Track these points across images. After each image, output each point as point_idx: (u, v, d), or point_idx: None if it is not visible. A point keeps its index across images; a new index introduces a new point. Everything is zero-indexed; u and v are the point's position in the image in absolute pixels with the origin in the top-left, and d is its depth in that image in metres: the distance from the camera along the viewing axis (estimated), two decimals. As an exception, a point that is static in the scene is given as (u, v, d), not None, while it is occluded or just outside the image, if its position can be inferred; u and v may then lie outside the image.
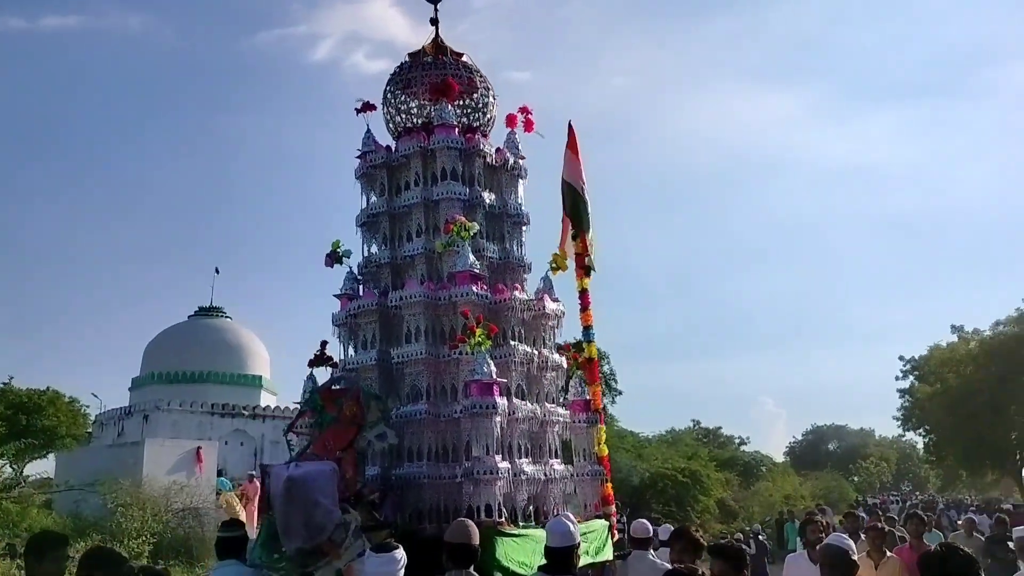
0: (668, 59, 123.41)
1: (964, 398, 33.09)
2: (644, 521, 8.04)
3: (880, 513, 18.86)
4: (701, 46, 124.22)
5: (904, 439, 65.33)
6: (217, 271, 41.22)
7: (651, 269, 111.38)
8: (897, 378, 40.43)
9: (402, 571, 5.04)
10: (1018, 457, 36.95)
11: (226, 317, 39.79)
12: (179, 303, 77.54)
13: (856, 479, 61.17)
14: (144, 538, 14.87)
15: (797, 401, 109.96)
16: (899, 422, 42.32)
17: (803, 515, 13.55)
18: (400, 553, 5.09)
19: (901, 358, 40.15)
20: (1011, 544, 8.14)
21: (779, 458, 56.10)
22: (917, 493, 61.56)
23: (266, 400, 37.89)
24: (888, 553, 7.47)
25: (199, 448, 21.48)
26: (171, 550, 14.44)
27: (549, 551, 4.77)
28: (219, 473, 22.46)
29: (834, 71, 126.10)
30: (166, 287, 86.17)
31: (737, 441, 46.08)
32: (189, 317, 39.49)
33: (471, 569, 4.81)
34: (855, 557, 4.79)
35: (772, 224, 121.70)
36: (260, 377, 38.42)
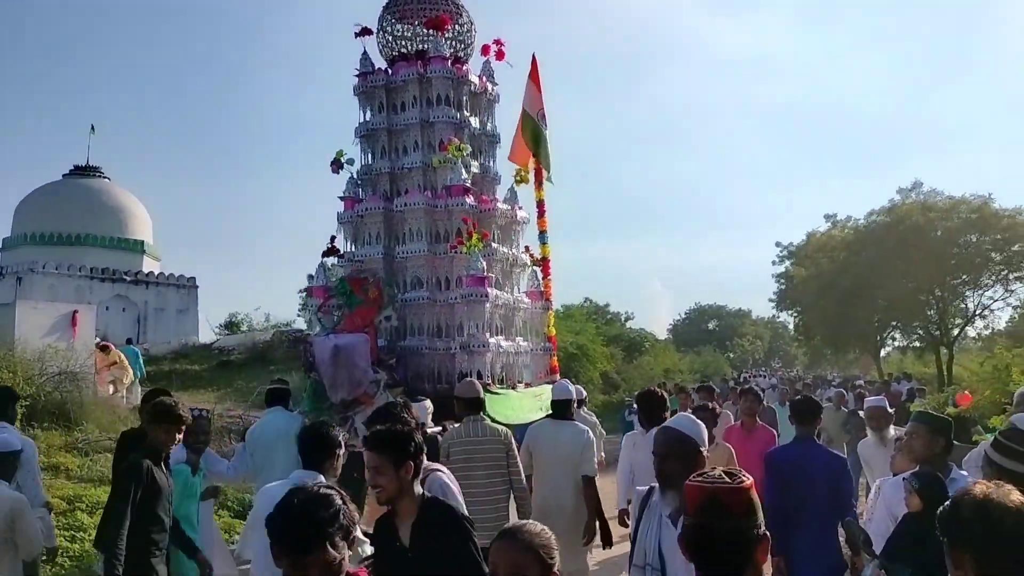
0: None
1: (834, 281, 37.07)
2: (565, 382, 10.87)
3: (738, 387, 20.33)
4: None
5: (778, 320, 71.94)
6: (93, 128, 39.36)
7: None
8: (774, 263, 44.92)
9: (430, 415, 7.63)
10: (878, 338, 42.42)
11: (104, 178, 39.25)
12: (52, 162, 74.19)
13: (732, 356, 67.57)
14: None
15: (682, 282, 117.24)
16: (774, 304, 47.28)
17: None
18: (429, 404, 7.69)
19: (778, 244, 44.64)
20: (862, 414, 8.55)
21: (663, 335, 61.45)
22: (785, 369, 68.71)
23: (149, 266, 38.22)
24: (717, 440, 6.96)
25: (75, 312, 21.63)
26: (46, 413, 14.24)
27: (554, 403, 7.38)
28: (103, 337, 23.06)
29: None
30: (37, 144, 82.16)
31: (623, 317, 50.26)
32: (63, 176, 38.62)
33: (480, 414, 7.35)
34: (703, 448, 3.60)
35: (666, 110, 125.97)
36: (142, 242, 38.43)
